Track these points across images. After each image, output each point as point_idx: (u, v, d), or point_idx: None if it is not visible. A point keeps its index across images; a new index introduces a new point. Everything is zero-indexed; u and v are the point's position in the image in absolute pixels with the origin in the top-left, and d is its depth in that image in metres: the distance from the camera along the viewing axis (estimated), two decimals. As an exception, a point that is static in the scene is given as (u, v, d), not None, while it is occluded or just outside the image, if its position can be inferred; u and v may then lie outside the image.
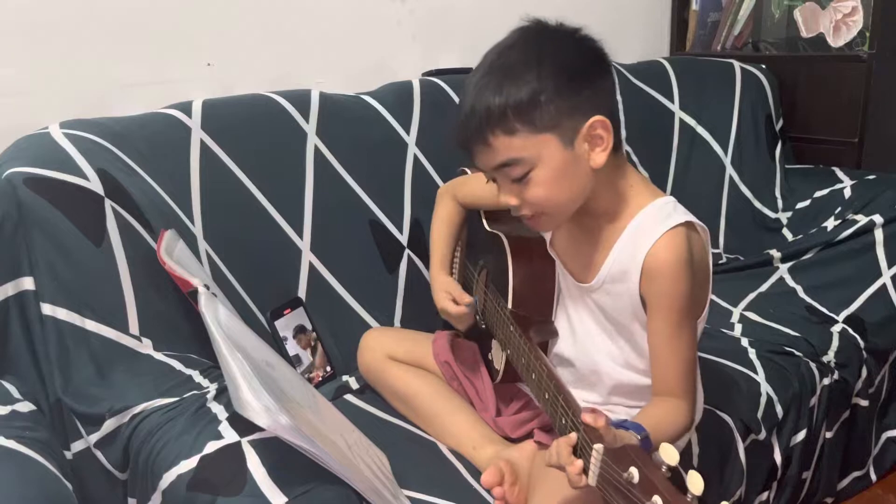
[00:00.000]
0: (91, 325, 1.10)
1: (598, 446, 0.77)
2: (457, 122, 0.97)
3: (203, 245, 1.30)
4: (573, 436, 0.82)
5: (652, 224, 0.96)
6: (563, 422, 0.86)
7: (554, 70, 0.91)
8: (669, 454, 0.72)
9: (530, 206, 0.96)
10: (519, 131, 0.91)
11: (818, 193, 1.84)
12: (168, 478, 0.92)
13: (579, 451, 0.82)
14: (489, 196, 1.20)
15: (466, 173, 1.38)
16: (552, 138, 0.91)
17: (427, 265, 1.54)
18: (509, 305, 1.09)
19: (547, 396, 0.93)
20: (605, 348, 1.05)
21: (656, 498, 0.69)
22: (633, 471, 0.72)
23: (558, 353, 1.11)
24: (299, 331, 1.38)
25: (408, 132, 1.58)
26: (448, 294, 1.20)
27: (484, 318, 1.20)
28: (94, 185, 1.15)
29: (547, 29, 0.97)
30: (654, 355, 0.98)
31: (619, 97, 1.84)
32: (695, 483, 0.69)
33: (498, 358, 1.15)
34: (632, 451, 0.74)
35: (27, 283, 1.10)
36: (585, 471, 0.79)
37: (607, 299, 1.02)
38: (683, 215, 0.96)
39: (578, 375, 1.09)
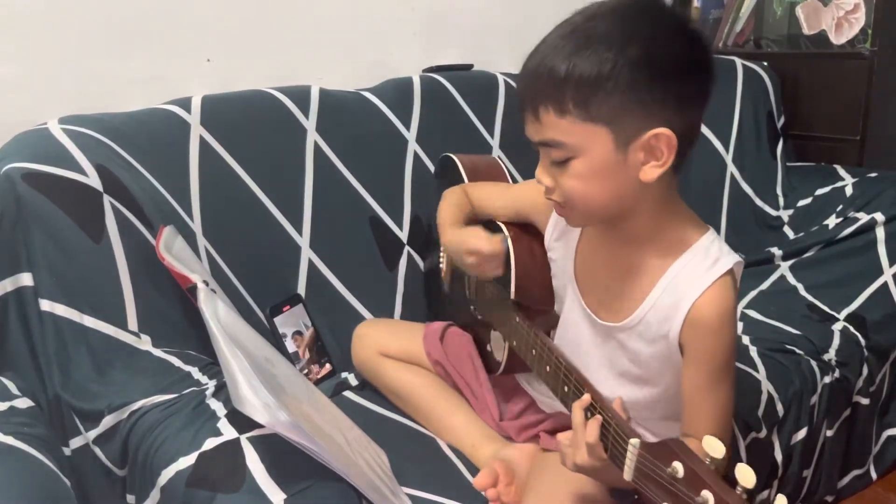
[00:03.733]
0: (89, 322, 1.10)
1: (634, 441, 0.75)
2: (518, 80, 0.89)
3: (202, 241, 1.30)
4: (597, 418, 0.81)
5: (699, 269, 0.87)
6: (589, 416, 0.84)
7: (637, 58, 0.78)
8: (714, 447, 0.68)
9: (562, 194, 0.87)
10: (570, 114, 0.80)
11: (819, 191, 1.84)
12: (167, 474, 0.91)
13: (610, 446, 0.79)
14: (505, 207, 1.14)
15: (451, 159, 1.37)
16: (604, 132, 0.81)
17: (424, 259, 1.54)
18: (512, 296, 1.08)
19: (566, 389, 0.90)
20: (625, 395, 0.96)
21: (706, 493, 0.65)
22: (678, 465, 0.68)
23: None
24: (298, 327, 1.38)
25: (408, 128, 1.58)
26: (480, 233, 1.08)
27: (480, 310, 1.19)
28: (93, 180, 1.15)
29: (652, 6, 0.83)
30: (687, 402, 0.91)
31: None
32: (745, 476, 0.64)
33: (499, 349, 1.14)
34: (673, 444, 0.70)
35: (25, 279, 1.10)
36: (619, 464, 0.77)
37: (638, 343, 0.93)
38: (728, 257, 0.88)
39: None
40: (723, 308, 0.87)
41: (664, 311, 0.89)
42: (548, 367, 0.96)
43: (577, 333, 1.02)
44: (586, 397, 0.84)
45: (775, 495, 0.64)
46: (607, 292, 0.96)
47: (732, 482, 0.66)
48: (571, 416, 0.86)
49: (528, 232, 1.12)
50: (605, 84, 0.78)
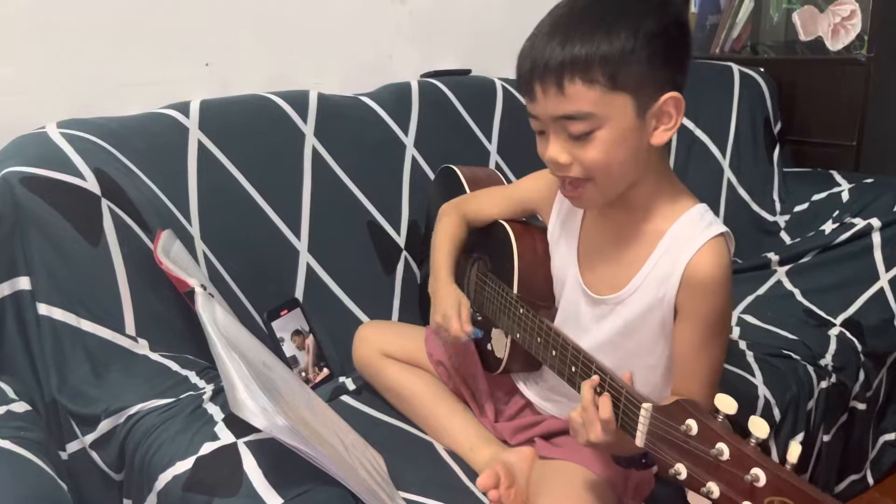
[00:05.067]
0: (87, 326, 1.10)
1: (647, 405, 0.78)
2: (526, 55, 0.89)
3: (200, 245, 1.30)
4: (606, 400, 0.83)
5: (693, 231, 0.92)
6: (599, 390, 0.86)
7: (651, 35, 0.85)
8: (726, 403, 0.70)
9: (581, 167, 0.89)
10: (598, 83, 0.84)
11: (816, 197, 1.84)
12: (164, 479, 0.91)
13: (621, 414, 0.82)
14: (499, 212, 1.18)
15: (452, 169, 1.37)
16: (629, 101, 0.86)
17: (420, 267, 1.54)
18: (515, 290, 1.08)
19: (574, 369, 0.92)
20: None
21: (721, 445, 0.67)
22: (691, 422, 0.70)
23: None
24: (296, 332, 1.38)
25: (406, 133, 1.58)
26: (458, 309, 1.10)
27: (480, 310, 1.20)
28: (91, 184, 1.15)
29: None
30: (678, 361, 0.94)
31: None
32: (759, 427, 0.66)
33: (500, 346, 1.14)
34: (686, 403, 0.73)
35: (23, 283, 1.10)
36: (631, 431, 0.79)
37: (635, 312, 0.96)
38: (720, 225, 0.93)
39: (557, 389, 1.08)
40: (718, 268, 0.90)
41: (662, 271, 0.92)
42: (554, 351, 0.97)
43: (576, 315, 1.04)
44: (595, 378, 0.86)
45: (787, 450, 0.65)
46: (609, 266, 0.99)
47: (746, 435, 0.67)
48: (581, 395, 0.87)
49: (530, 229, 1.13)
50: (629, 56, 0.84)
